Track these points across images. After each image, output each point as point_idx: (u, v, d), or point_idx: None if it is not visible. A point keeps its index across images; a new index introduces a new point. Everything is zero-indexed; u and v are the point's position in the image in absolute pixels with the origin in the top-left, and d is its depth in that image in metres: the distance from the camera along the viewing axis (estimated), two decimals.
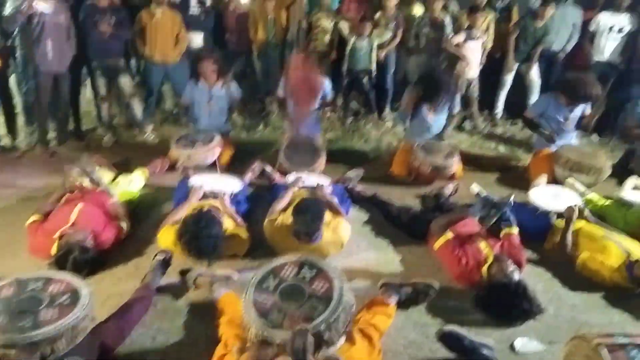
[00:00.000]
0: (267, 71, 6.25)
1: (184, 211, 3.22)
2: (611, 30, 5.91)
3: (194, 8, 5.79)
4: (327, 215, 3.22)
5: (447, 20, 5.92)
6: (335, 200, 3.56)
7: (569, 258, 3.19)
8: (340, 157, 5.13)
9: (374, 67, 5.92)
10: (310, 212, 3.01)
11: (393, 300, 2.61)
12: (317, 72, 4.94)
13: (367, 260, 3.25)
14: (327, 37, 6.02)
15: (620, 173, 4.72)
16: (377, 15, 5.93)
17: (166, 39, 5.45)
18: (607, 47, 5.96)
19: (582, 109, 4.72)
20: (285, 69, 5.16)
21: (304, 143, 4.66)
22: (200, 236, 2.88)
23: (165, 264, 2.93)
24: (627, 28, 5.83)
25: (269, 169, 4.38)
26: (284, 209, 3.37)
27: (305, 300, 2.12)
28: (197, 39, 5.79)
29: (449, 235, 3.04)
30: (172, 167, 4.53)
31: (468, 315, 2.66)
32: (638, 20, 5.79)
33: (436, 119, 4.82)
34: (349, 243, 3.30)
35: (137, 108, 5.60)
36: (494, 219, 3.19)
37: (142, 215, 3.76)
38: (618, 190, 4.18)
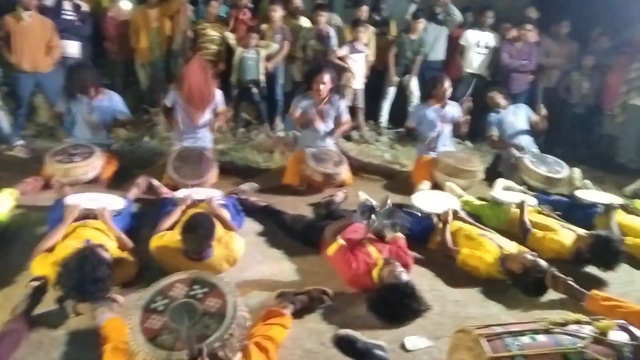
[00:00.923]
0: (151, 81, 6.00)
1: (59, 234, 2.96)
2: (478, 45, 6.51)
3: (68, 13, 5.40)
4: (219, 230, 3.14)
5: (332, 33, 6.12)
6: (227, 213, 3.49)
7: (450, 257, 3.41)
8: (231, 168, 5.07)
9: (262, 78, 5.94)
10: (199, 230, 2.89)
11: (289, 310, 2.60)
12: (211, 81, 4.81)
13: (262, 272, 3.22)
14: (214, 47, 5.94)
15: (492, 175, 5.19)
16: (264, 27, 5.97)
17: (36, 46, 5.03)
18: (474, 60, 6.55)
19: (454, 112, 5.11)
20: (178, 77, 4.97)
21: (193, 155, 4.50)
22: (86, 283, 2.50)
23: (40, 291, 2.65)
24: (491, 44, 6.46)
25: (156, 183, 4.18)
26: (172, 226, 3.23)
27: (198, 319, 2.04)
28: (72, 47, 5.40)
29: (340, 241, 3.10)
30: (47, 185, 4.16)
31: (361, 319, 2.72)
32: (499, 37, 6.43)
33: (325, 126, 4.93)
34: (243, 256, 3.24)
35: (4, 121, 5.08)
36: (378, 224, 3.32)
37: (12, 239, 3.40)
38: (490, 191, 4.58)
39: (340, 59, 6.00)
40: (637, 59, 5.93)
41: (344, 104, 5.09)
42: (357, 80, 6.14)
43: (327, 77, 4.78)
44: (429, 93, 5.12)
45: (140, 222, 3.67)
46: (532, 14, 6.60)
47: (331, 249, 3.10)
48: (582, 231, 3.66)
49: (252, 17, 6.17)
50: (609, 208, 3.99)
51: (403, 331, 2.66)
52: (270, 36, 5.94)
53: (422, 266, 3.42)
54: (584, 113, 6.55)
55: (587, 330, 1.95)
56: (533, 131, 5.46)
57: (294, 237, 3.68)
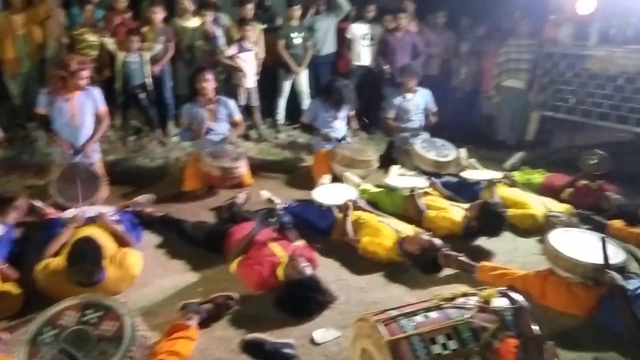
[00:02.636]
0: (25, 93, 5.53)
1: None
2: (364, 38, 6.73)
3: None
4: (111, 249, 2.98)
5: (219, 33, 6.01)
6: (121, 229, 3.32)
7: (352, 245, 3.52)
8: (125, 180, 4.83)
9: (149, 82, 5.70)
10: (84, 260, 2.72)
11: (194, 322, 2.54)
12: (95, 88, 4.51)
13: (164, 286, 3.11)
14: (94, 53, 5.61)
15: (386, 163, 5.41)
16: (145, 29, 5.73)
17: None
18: (362, 53, 6.76)
19: (347, 110, 5.28)
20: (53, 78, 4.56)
21: (79, 173, 4.11)
22: None
23: None
24: (375, 36, 6.70)
25: (39, 204, 3.87)
26: (60, 249, 3.01)
27: (94, 346, 1.93)
28: None
29: (240, 258, 3.09)
30: None
31: (270, 319, 2.73)
32: (382, 29, 6.69)
33: (215, 125, 4.85)
34: (142, 272, 3.11)
35: None
36: (276, 222, 3.34)
37: None
38: (386, 178, 4.77)
39: (230, 58, 5.92)
40: (505, 44, 6.46)
41: (233, 103, 5.04)
42: (249, 78, 6.09)
43: (208, 75, 4.73)
44: (327, 96, 5.17)
45: (24, 249, 3.39)
46: (409, 5, 6.92)
47: (232, 267, 3.08)
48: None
49: (132, 19, 5.89)
50: (490, 183, 4.33)
51: (312, 325, 2.70)
52: (153, 38, 5.71)
53: (328, 258, 3.49)
54: (464, 97, 7.04)
55: (473, 301, 2.11)
56: (426, 118, 5.78)
57: (196, 245, 3.59)
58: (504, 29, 6.83)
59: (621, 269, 2.78)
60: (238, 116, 5.04)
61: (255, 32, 6.13)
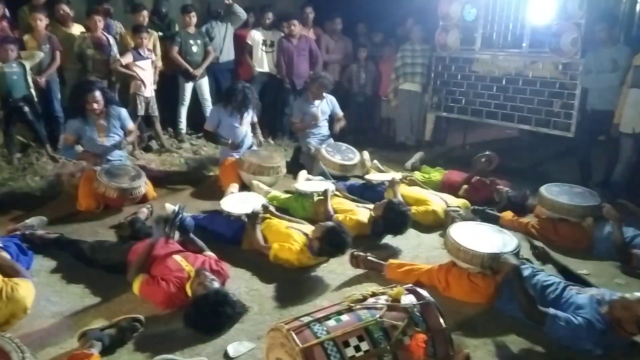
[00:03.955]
0: None
1: None
2: (264, 44, 6.72)
3: None
4: None
5: (112, 41, 5.71)
6: (7, 257, 3.01)
7: (263, 253, 3.48)
8: (12, 202, 4.43)
9: (33, 93, 5.26)
10: None
11: (96, 350, 2.36)
12: None
13: (61, 313, 2.86)
14: None
15: (295, 168, 5.44)
16: (26, 37, 5.30)
17: None
18: (264, 60, 6.75)
19: (251, 115, 5.23)
20: None
21: None
22: None
23: None
24: (276, 42, 6.73)
25: None
26: None
27: None
28: None
29: (142, 276, 2.91)
30: None
31: (180, 338, 2.62)
32: (280, 35, 6.73)
33: (109, 139, 4.61)
34: (35, 301, 2.84)
35: None
36: (174, 231, 3.23)
37: None
38: (294, 184, 4.79)
39: (126, 67, 5.64)
40: (400, 49, 6.76)
41: (125, 112, 4.80)
42: (147, 88, 5.84)
43: (97, 94, 4.48)
44: (227, 101, 5.08)
45: None
46: (307, 12, 7.02)
47: (135, 287, 2.90)
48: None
49: (11, 27, 5.42)
50: (393, 183, 4.50)
51: (225, 340, 2.62)
52: (36, 47, 5.29)
53: (239, 268, 3.41)
54: (365, 101, 7.26)
55: (383, 300, 2.16)
56: (331, 123, 5.87)
57: (96, 267, 3.34)
58: (398, 35, 7.15)
59: (514, 256, 3.00)
60: (130, 125, 4.84)
61: (151, 39, 5.90)
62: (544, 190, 4.13)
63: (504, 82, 6.00)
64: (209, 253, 3.26)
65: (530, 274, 2.93)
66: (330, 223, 3.41)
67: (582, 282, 2.99)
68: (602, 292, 2.74)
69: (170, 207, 4.01)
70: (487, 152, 4.98)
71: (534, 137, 6.48)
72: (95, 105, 4.46)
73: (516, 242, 3.13)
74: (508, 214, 4.27)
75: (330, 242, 3.27)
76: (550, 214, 4.04)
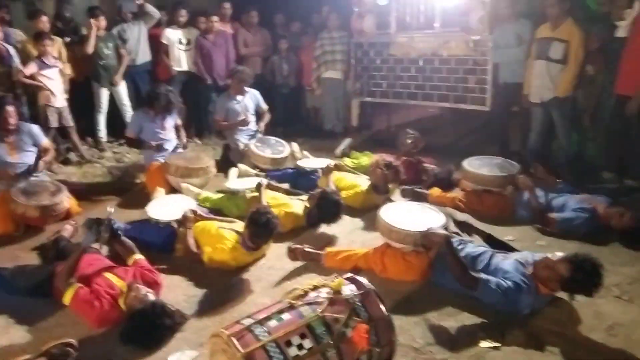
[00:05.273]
0: None
1: None
2: (180, 43, 6.53)
3: None
4: None
5: (12, 51, 5.33)
6: None
7: (197, 258, 3.41)
8: None
9: None
10: None
11: None
12: None
13: None
14: None
15: (225, 167, 5.34)
16: None
17: None
18: (182, 58, 6.56)
19: (174, 118, 5.08)
20: None
21: None
22: None
23: None
24: (192, 40, 6.55)
25: None
26: None
27: None
28: None
29: (75, 285, 2.78)
30: None
31: (119, 356, 2.52)
32: (198, 33, 6.57)
33: (20, 157, 4.33)
34: None
35: None
36: (107, 236, 3.12)
37: None
38: (225, 183, 4.71)
39: (31, 77, 5.28)
40: (319, 38, 6.78)
41: (37, 128, 4.54)
42: (58, 97, 5.51)
43: (10, 109, 4.21)
44: (149, 104, 4.90)
45: None
46: (224, 7, 6.89)
47: (67, 297, 2.75)
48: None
49: None
50: (325, 170, 4.54)
51: (166, 352, 2.55)
52: None
53: (174, 275, 3.32)
54: (289, 92, 7.25)
55: (324, 293, 2.17)
56: (258, 117, 5.81)
57: (19, 294, 3.13)
58: (315, 24, 7.17)
59: (443, 229, 3.11)
60: (45, 141, 4.55)
61: (56, 46, 5.56)
62: (466, 164, 4.32)
63: (420, 63, 6.18)
64: (139, 256, 3.15)
65: (460, 247, 3.06)
66: (320, 190, 3.72)
67: (507, 248, 3.17)
68: (525, 255, 2.92)
69: (111, 209, 3.80)
70: (411, 133, 5.12)
71: (454, 114, 6.74)
72: (10, 121, 4.19)
73: (444, 217, 3.25)
74: (436, 191, 4.43)
75: (327, 207, 3.57)
76: (474, 186, 4.24)
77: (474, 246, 3.10)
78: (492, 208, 4.08)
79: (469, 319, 2.75)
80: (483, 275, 2.76)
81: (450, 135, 6.52)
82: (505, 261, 2.88)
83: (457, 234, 3.35)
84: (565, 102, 4.86)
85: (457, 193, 4.38)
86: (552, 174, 4.31)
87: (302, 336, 1.97)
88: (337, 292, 2.19)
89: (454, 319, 2.76)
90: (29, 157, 4.36)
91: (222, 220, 3.76)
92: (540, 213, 3.81)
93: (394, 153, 5.13)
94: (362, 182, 4.45)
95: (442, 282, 2.98)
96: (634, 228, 3.47)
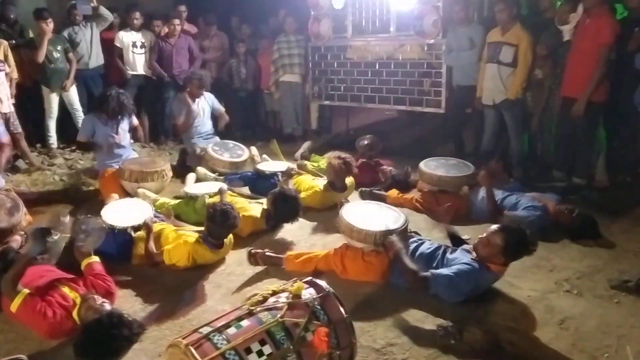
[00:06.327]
0: None
1: None
2: (135, 46, 6.39)
3: None
4: None
5: None
6: None
7: (157, 260, 3.36)
8: None
9: None
10: None
11: None
12: None
13: None
14: None
15: (182, 171, 5.26)
16: None
17: None
18: (136, 62, 6.42)
19: (129, 122, 4.95)
20: None
21: None
22: None
23: None
24: (147, 43, 6.43)
25: None
26: None
27: None
28: None
29: (24, 292, 2.67)
30: None
31: None
32: (153, 35, 6.45)
33: None
34: None
35: None
36: (59, 249, 3.04)
37: None
38: (183, 188, 4.63)
39: None
40: (276, 42, 6.77)
41: None
42: (4, 103, 5.27)
43: None
44: (101, 108, 4.76)
45: None
46: (181, 10, 6.78)
47: (14, 305, 2.64)
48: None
49: None
50: (285, 173, 4.53)
51: None
52: None
53: (130, 287, 3.22)
54: (248, 95, 7.20)
55: (283, 298, 2.16)
56: (215, 120, 5.74)
57: None
58: (272, 27, 7.16)
59: (403, 232, 3.17)
60: None
61: (1, 49, 5.32)
62: (422, 165, 4.41)
63: (377, 67, 6.26)
64: (94, 259, 3.05)
65: (415, 246, 3.13)
66: (277, 189, 3.77)
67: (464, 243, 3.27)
68: (471, 243, 3.04)
69: (65, 218, 3.65)
70: (369, 136, 5.19)
71: (410, 116, 6.86)
72: None
73: (404, 217, 3.30)
74: (393, 192, 4.50)
75: (284, 205, 3.67)
76: (430, 187, 4.33)
77: (429, 244, 3.19)
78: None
79: (428, 318, 2.79)
80: (430, 272, 2.84)
81: (407, 137, 6.64)
82: (455, 252, 3.02)
83: (417, 233, 3.42)
84: (516, 104, 5.04)
85: (414, 194, 4.46)
86: (505, 173, 4.45)
87: (262, 342, 1.95)
88: (296, 296, 2.18)
89: (413, 318, 2.81)
90: None
91: (181, 225, 3.70)
92: (495, 212, 3.92)
93: (353, 155, 5.17)
94: (321, 183, 4.47)
95: (400, 282, 3.03)
96: (581, 224, 3.64)
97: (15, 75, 5.51)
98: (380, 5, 6.24)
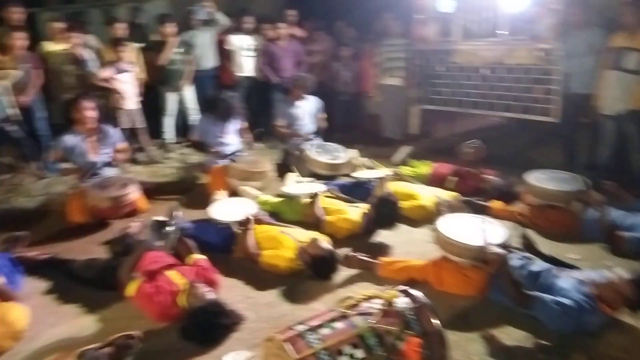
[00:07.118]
0: None
1: None
2: (245, 49, 6.71)
3: None
4: None
5: (88, 55, 5.68)
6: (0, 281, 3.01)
7: (255, 260, 3.49)
8: (1, 223, 4.39)
9: (14, 112, 5.22)
10: None
11: None
12: None
13: (58, 335, 2.85)
14: None
15: (283, 171, 5.44)
16: (2, 58, 5.26)
17: None
18: (245, 64, 6.74)
19: (238, 123, 5.23)
20: None
21: None
22: None
23: None
24: (257, 46, 6.72)
25: None
26: None
27: None
28: None
29: (139, 279, 2.92)
30: None
31: (177, 351, 2.63)
32: (262, 39, 6.71)
33: (99, 156, 4.57)
34: (31, 323, 2.85)
35: None
36: (173, 239, 3.23)
37: None
38: (283, 187, 4.79)
39: (105, 81, 5.61)
40: (380, 45, 6.77)
41: (117, 130, 4.80)
42: (129, 100, 5.81)
43: (87, 104, 4.44)
44: (213, 110, 5.08)
45: None
46: (290, 14, 7.02)
47: (130, 290, 2.90)
48: (366, 206, 4.07)
49: None
50: (381, 180, 4.51)
51: (222, 351, 2.63)
52: (13, 67, 5.24)
53: (231, 278, 3.41)
54: (349, 98, 7.26)
55: (376, 304, 2.17)
56: (316, 123, 5.88)
57: (89, 285, 3.33)
58: (376, 31, 7.16)
59: (503, 246, 3.03)
60: (123, 143, 4.82)
61: (130, 51, 5.87)
62: (530, 177, 4.18)
63: (484, 71, 6.03)
64: (199, 256, 3.26)
65: (519, 263, 2.97)
66: (377, 195, 3.79)
67: (570, 268, 3.04)
68: (587, 273, 2.81)
69: (159, 219, 3.99)
70: (473, 142, 5.01)
71: (518, 124, 6.52)
72: (84, 113, 4.40)
73: (505, 232, 3.16)
74: (497, 204, 4.31)
75: (384, 211, 3.69)
76: (538, 201, 4.08)
77: (534, 263, 3.00)
78: (557, 224, 3.92)
79: (528, 339, 2.66)
80: (539, 294, 2.66)
81: (514, 146, 6.31)
82: (567, 279, 2.78)
83: (518, 249, 3.25)
84: None
85: (519, 207, 4.24)
86: (626, 190, 4.08)
87: (354, 346, 1.98)
88: (390, 303, 2.18)
89: (511, 338, 2.68)
90: (107, 157, 4.62)
91: (282, 225, 3.83)
92: (610, 231, 3.62)
93: (454, 162, 5.04)
94: (423, 194, 4.39)
95: (500, 299, 2.90)
96: None
97: (142, 75, 6.04)
98: (492, 8, 6.00)
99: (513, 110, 5.85)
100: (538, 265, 2.97)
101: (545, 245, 3.53)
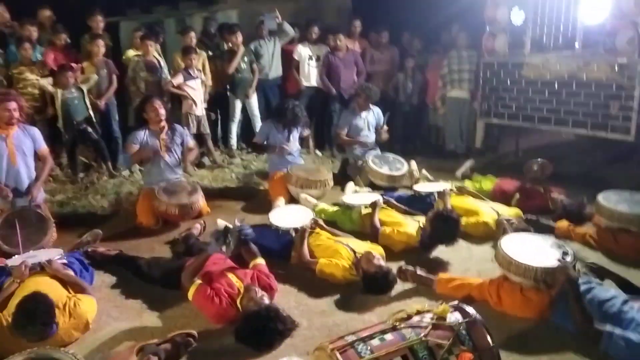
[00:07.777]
0: None
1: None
2: (311, 59, 6.81)
3: None
4: (62, 296, 2.87)
5: (163, 62, 5.97)
6: (71, 273, 3.20)
7: (309, 268, 3.51)
8: (76, 220, 4.68)
9: (92, 114, 5.59)
10: (33, 318, 2.57)
11: None
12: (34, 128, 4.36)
13: (121, 328, 3.00)
14: (37, 91, 5.47)
15: (342, 180, 5.46)
16: (85, 63, 5.64)
17: None
18: (310, 74, 6.84)
19: (299, 131, 5.31)
20: None
21: (25, 216, 3.96)
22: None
23: None
24: (322, 56, 6.80)
25: None
26: (7, 300, 2.88)
27: None
28: None
29: (197, 282, 3.01)
30: None
31: (231, 353, 2.69)
32: (326, 50, 6.80)
33: (170, 154, 4.75)
34: (97, 315, 3.01)
35: None
36: (234, 245, 3.33)
37: None
38: (341, 196, 4.81)
39: (177, 87, 5.88)
40: (447, 56, 6.67)
41: (186, 131, 5.00)
42: (198, 106, 6.05)
43: (158, 103, 4.65)
44: (278, 118, 5.21)
45: None
46: (355, 25, 7.08)
47: (190, 293, 3.00)
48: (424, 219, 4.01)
49: (70, 55, 5.79)
50: (442, 194, 4.43)
51: (275, 355, 2.67)
52: (93, 72, 5.62)
53: (287, 283, 3.46)
54: (411, 110, 7.19)
55: (428, 318, 2.14)
56: (377, 134, 5.88)
57: (152, 282, 3.49)
58: (444, 42, 7.06)
59: (573, 268, 2.89)
60: (192, 142, 5.02)
61: (200, 59, 6.12)
62: (602, 198, 3.96)
63: (556, 86, 5.79)
64: (260, 261, 3.32)
65: (587, 288, 2.81)
66: (436, 210, 3.78)
67: None
68: None
69: (221, 223, 4.12)
70: (540, 159, 4.83)
71: (590, 142, 6.21)
72: (156, 112, 4.60)
73: (572, 254, 3.01)
74: (564, 224, 4.11)
75: (443, 227, 3.60)
76: (609, 224, 3.86)
77: (603, 289, 2.83)
78: (629, 249, 3.68)
79: None
80: (609, 327, 2.50)
81: (585, 164, 6.01)
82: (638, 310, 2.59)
83: (586, 274, 3.09)
84: None
85: (588, 228, 4.02)
86: None
87: (404, 358, 1.96)
88: (441, 317, 2.15)
89: None
90: (177, 155, 4.81)
91: (338, 234, 3.84)
92: None
93: (520, 179, 4.86)
94: (484, 210, 4.26)
95: (563, 323, 2.76)
96: None
97: (209, 82, 6.28)
98: (565, 20, 5.78)
99: (585, 127, 5.58)
100: (605, 291, 2.80)
101: (615, 270, 3.32)
